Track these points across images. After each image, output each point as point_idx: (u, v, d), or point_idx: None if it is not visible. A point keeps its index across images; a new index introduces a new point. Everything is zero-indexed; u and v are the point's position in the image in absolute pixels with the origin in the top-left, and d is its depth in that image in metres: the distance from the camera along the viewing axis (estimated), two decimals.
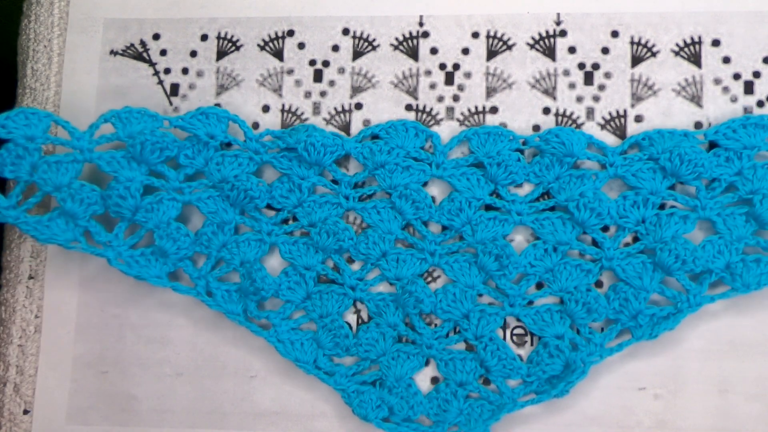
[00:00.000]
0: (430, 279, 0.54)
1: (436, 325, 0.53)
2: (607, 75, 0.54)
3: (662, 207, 0.53)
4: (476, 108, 0.55)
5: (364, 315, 0.54)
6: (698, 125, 0.54)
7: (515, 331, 0.53)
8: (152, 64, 0.57)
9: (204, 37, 0.57)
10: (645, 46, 0.54)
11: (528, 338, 0.53)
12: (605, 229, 0.53)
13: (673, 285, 0.52)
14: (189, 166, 0.54)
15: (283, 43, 0.56)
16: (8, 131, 0.52)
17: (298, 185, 0.53)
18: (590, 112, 0.54)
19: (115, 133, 0.53)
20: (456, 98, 0.55)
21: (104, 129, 0.54)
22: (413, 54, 0.56)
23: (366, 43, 0.56)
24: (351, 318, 0.54)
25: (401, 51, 0.56)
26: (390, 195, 0.53)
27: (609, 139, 0.54)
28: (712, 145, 0.52)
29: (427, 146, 0.54)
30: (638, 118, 0.54)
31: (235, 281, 0.54)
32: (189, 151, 0.53)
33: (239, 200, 0.53)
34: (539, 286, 0.53)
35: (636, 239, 0.53)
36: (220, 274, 0.54)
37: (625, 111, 0.54)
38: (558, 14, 0.55)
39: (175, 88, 0.56)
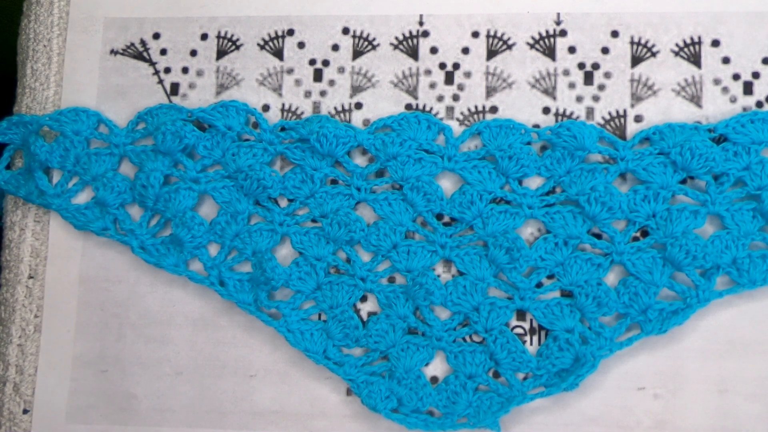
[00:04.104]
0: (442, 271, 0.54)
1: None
2: (607, 75, 0.54)
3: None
4: (476, 107, 0.55)
5: (368, 308, 0.54)
6: None
7: (515, 330, 0.53)
8: (152, 64, 0.57)
9: (204, 37, 0.57)
10: (645, 46, 0.54)
11: (528, 337, 0.53)
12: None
13: (681, 279, 0.52)
14: (207, 157, 0.55)
15: (282, 42, 0.56)
16: (60, 125, 0.55)
17: (311, 176, 0.54)
18: (590, 112, 0.54)
19: (147, 129, 0.55)
20: (456, 98, 0.55)
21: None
22: (413, 53, 0.56)
23: (366, 43, 0.56)
24: (362, 308, 0.54)
25: (401, 50, 0.56)
26: (401, 187, 0.53)
27: None
28: (719, 142, 0.52)
29: (439, 139, 0.54)
30: (638, 118, 0.54)
31: (247, 271, 0.54)
32: (208, 142, 0.55)
33: (252, 190, 0.54)
34: (549, 279, 0.53)
35: (645, 233, 0.53)
36: (232, 264, 0.54)
37: (624, 111, 0.54)
38: (558, 14, 0.55)
39: (175, 88, 0.57)
